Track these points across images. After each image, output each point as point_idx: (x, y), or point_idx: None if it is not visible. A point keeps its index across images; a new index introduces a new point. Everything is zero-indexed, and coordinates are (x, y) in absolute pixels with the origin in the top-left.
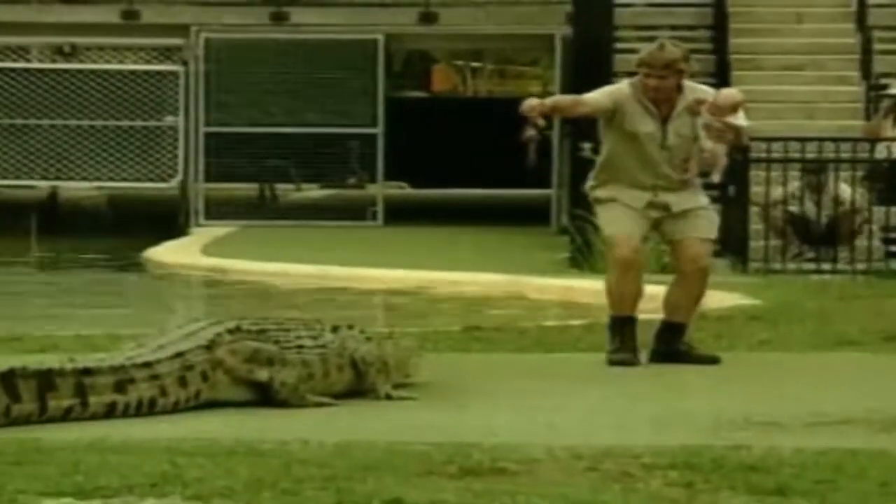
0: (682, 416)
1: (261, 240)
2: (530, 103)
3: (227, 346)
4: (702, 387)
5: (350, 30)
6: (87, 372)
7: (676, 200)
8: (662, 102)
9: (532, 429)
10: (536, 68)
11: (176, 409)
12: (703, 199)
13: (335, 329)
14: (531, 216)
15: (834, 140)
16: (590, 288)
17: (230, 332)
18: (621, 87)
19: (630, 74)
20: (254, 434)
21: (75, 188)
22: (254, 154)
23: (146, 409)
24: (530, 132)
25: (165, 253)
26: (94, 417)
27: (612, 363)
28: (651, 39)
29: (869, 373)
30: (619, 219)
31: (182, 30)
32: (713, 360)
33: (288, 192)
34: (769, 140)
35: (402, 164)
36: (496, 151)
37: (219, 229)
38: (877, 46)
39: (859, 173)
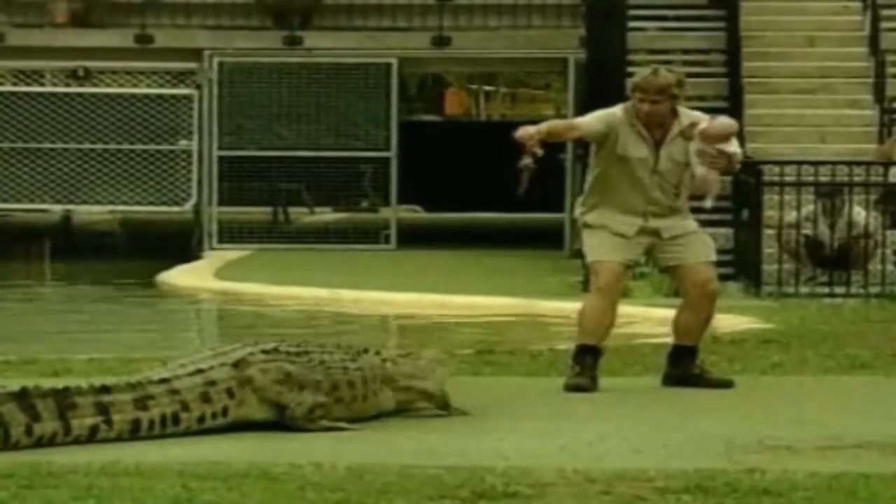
0: (696, 439)
1: (274, 263)
2: (527, 132)
3: (259, 365)
4: (715, 410)
5: (363, 53)
6: (105, 390)
7: (667, 226)
8: (656, 127)
9: (544, 452)
10: (549, 92)
11: (202, 424)
12: (692, 224)
13: (377, 353)
14: (544, 240)
15: (847, 164)
16: None
17: (265, 352)
18: (614, 111)
19: None
20: (267, 457)
21: (89, 212)
22: (267, 178)
23: (170, 424)
24: (526, 161)
25: (178, 276)
26: (120, 437)
27: (568, 388)
28: (664, 63)
29: (882, 396)
30: (603, 246)
31: (196, 54)
32: (726, 384)
33: (301, 215)
34: (782, 163)
35: (416, 187)
36: (509, 175)
37: (232, 253)
38: (890, 70)
39: (873, 197)
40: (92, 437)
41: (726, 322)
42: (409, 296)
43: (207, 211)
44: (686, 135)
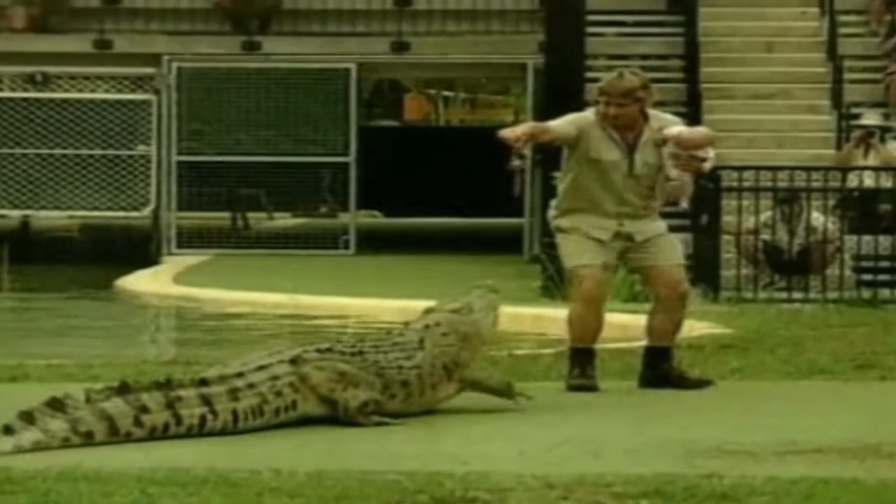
0: (655, 444)
1: (233, 268)
2: (515, 133)
3: (314, 363)
4: (674, 415)
5: (322, 59)
6: (204, 383)
7: (639, 229)
8: (626, 130)
9: (504, 457)
10: (508, 97)
11: (278, 417)
12: (662, 225)
13: (421, 342)
14: (503, 245)
15: (805, 169)
16: (562, 317)
17: (319, 351)
18: (586, 114)
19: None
20: (226, 463)
21: (47, 217)
22: (226, 183)
23: (258, 416)
24: (516, 162)
25: (137, 282)
26: (224, 430)
27: (572, 388)
28: (623, 68)
29: (841, 401)
30: (583, 251)
31: (154, 59)
32: (704, 384)
33: (260, 220)
34: (741, 169)
35: (375, 192)
36: (468, 180)
37: (191, 258)
38: (847, 76)
39: (831, 202)
40: (202, 428)
41: (685, 327)
42: (368, 301)
43: (166, 216)
44: (657, 140)
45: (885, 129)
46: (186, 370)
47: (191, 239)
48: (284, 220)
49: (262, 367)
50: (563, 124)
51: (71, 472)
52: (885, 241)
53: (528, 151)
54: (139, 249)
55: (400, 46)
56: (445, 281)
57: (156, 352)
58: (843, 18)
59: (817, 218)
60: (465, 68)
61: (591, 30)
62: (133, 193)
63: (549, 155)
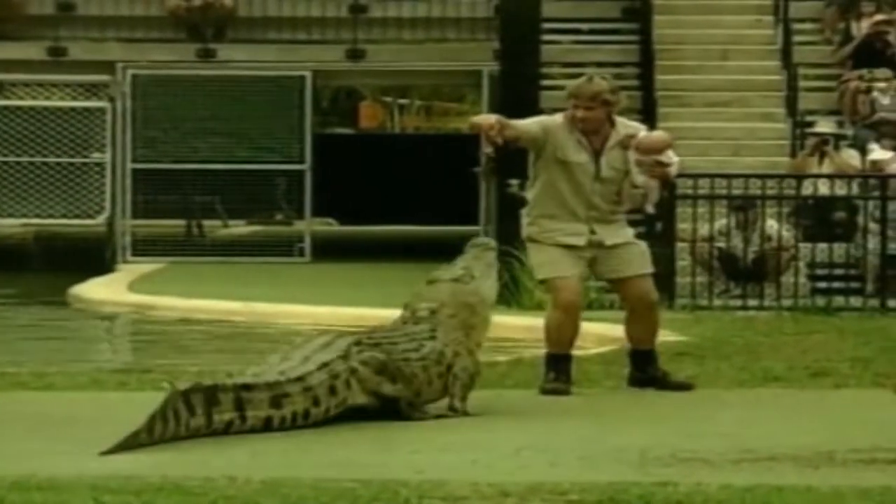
0: (610, 452)
1: (188, 276)
2: (488, 120)
3: (358, 356)
4: (630, 423)
5: (277, 66)
6: (246, 388)
7: (608, 235)
8: (592, 134)
9: (459, 465)
10: (464, 105)
11: (327, 416)
12: (630, 232)
13: (433, 331)
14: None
15: (760, 177)
16: (517, 324)
17: (356, 344)
18: (554, 117)
19: (557, 110)
20: (181, 471)
21: (1, 225)
22: (181, 190)
23: (301, 421)
24: (489, 149)
25: (92, 289)
26: (252, 430)
27: (545, 392)
28: (578, 76)
29: (795, 409)
30: (556, 261)
31: (109, 66)
32: (687, 387)
33: (215, 228)
34: (696, 176)
35: (330, 200)
36: (424, 187)
37: (146, 266)
38: (802, 84)
39: (786, 210)
40: (227, 430)
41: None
42: (324, 309)
43: (121, 224)
44: (623, 145)
45: (839, 137)
46: (141, 378)
47: (146, 246)
48: (239, 228)
49: (324, 365)
50: (527, 123)
51: (25, 481)
52: (839, 248)
53: (500, 139)
54: (94, 257)
55: (355, 54)
56: (401, 289)
57: (110, 359)
58: (797, 26)
59: (772, 226)
60: (420, 76)
61: (546, 37)
62: (88, 201)
63: (504, 162)
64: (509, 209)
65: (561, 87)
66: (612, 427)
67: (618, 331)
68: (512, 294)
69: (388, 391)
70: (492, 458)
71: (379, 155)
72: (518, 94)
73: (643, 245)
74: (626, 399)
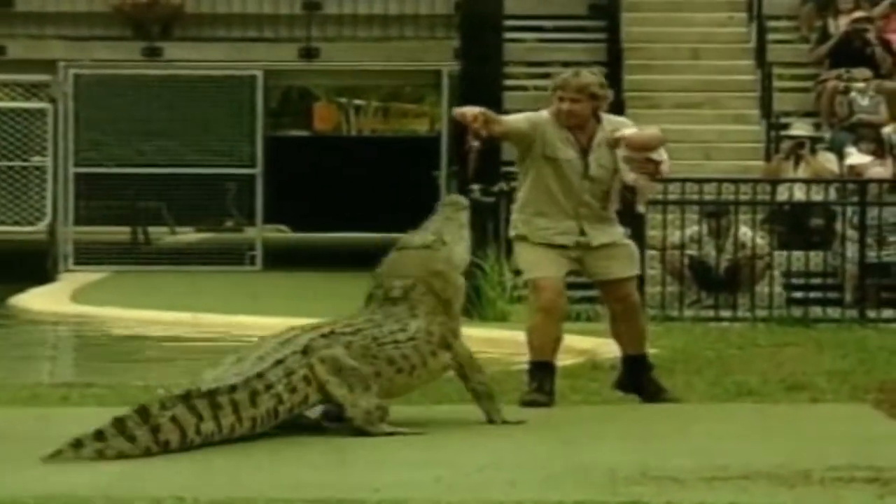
0: (576, 470)
1: (133, 286)
2: (472, 111)
3: (319, 353)
4: (597, 439)
5: (227, 65)
6: (233, 389)
7: (597, 235)
8: (578, 131)
9: (418, 484)
10: (423, 106)
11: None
12: (619, 231)
13: (412, 309)
14: None
15: (733, 181)
16: (479, 336)
17: (324, 336)
18: (541, 112)
19: (521, 111)
20: (125, 491)
21: None
22: (126, 196)
23: (273, 419)
24: (474, 142)
25: (32, 300)
26: (245, 434)
27: (524, 403)
28: (542, 76)
29: (770, 425)
30: (541, 262)
31: (50, 66)
32: (675, 401)
33: (162, 235)
34: (666, 181)
35: (282, 206)
36: (381, 193)
37: (89, 275)
38: (777, 84)
39: (760, 216)
40: (231, 435)
41: (606, 347)
42: (275, 320)
43: (63, 231)
44: (609, 143)
45: (815, 140)
46: (84, 392)
47: (89, 255)
48: (187, 235)
49: (278, 362)
50: (516, 118)
51: None
52: (816, 256)
53: (484, 132)
54: (34, 266)
55: (309, 53)
56: (356, 299)
57: (52, 373)
58: (772, 23)
59: (746, 233)
60: (377, 76)
61: (508, 35)
62: (28, 207)
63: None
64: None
65: (524, 88)
66: (579, 444)
67: (585, 342)
68: (474, 305)
69: (338, 395)
70: (453, 475)
71: (334, 158)
72: (479, 95)
73: (632, 247)
74: (594, 414)
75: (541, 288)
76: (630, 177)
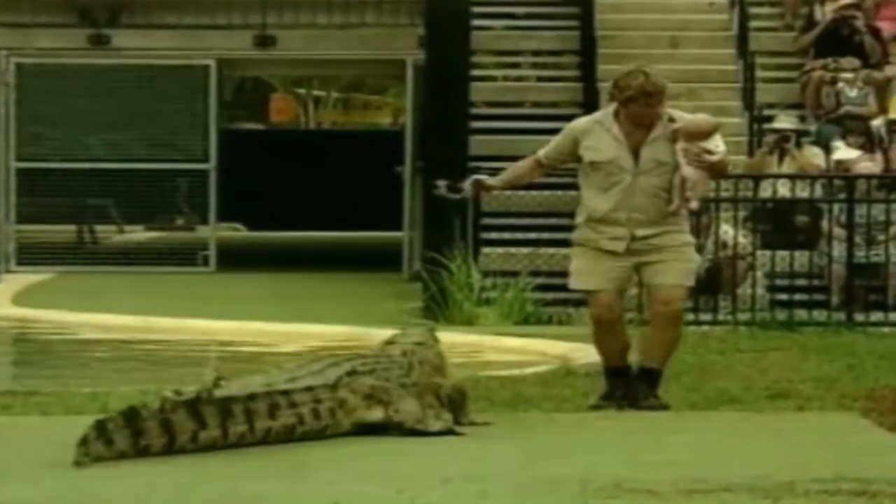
0: (547, 481)
1: (79, 287)
2: (488, 184)
3: (347, 386)
4: (569, 449)
5: (178, 54)
6: (252, 398)
7: (649, 237)
8: (640, 129)
9: (379, 497)
10: (386, 97)
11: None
12: (680, 237)
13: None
14: (380, 261)
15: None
16: (445, 340)
17: (349, 374)
18: (584, 119)
19: (489, 104)
20: (76, 502)
21: None
22: (71, 192)
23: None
24: (466, 193)
25: None
26: (261, 442)
27: (592, 408)
28: (512, 66)
29: (752, 434)
30: (591, 272)
31: None
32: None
33: (109, 234)
34: None
35: (237, 203)
36: (342, 189)
37: (32, 276)
38: (760, 74)
39: (742, 214)
40: (239, 442)
41: (581, 353)
42: (230, 324)
43: (4, 229)
44: (668, 136)
45: (800, 133)
46: (27, 401)
47: (32, 254)
48: (137, 234)
49: (308, 389)
50: (553, 146)
51: None
52: (801, 256)
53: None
54: None
55: (264, 41)
56: (315, 301)
57: None
58: (754, 11)
59: (727, 231)
60: (337, 65)
61: (476, 23)
62: None
63: (432, 161)
64: (437, 213)
65: (492, 78)
66: (550, 454)
67: (557, 347)
68: (439, 307)
69: (377, 417)
70: (417, 488)
71: (292, 153)
72: (445, 85)
73: (689, 254)
74: (567, 422)
75: (589, 301)
76: (688, 171)
